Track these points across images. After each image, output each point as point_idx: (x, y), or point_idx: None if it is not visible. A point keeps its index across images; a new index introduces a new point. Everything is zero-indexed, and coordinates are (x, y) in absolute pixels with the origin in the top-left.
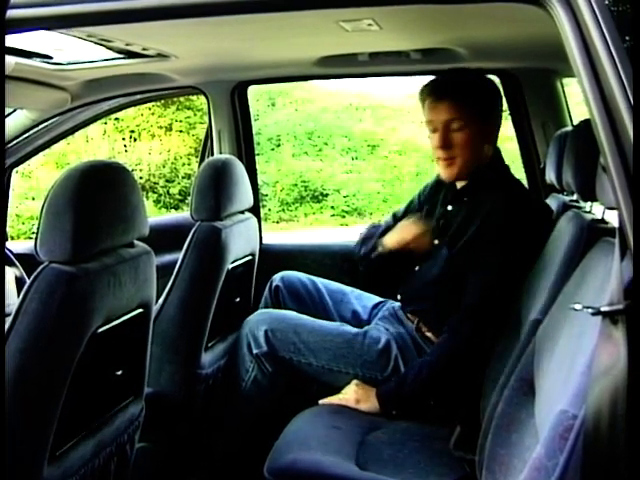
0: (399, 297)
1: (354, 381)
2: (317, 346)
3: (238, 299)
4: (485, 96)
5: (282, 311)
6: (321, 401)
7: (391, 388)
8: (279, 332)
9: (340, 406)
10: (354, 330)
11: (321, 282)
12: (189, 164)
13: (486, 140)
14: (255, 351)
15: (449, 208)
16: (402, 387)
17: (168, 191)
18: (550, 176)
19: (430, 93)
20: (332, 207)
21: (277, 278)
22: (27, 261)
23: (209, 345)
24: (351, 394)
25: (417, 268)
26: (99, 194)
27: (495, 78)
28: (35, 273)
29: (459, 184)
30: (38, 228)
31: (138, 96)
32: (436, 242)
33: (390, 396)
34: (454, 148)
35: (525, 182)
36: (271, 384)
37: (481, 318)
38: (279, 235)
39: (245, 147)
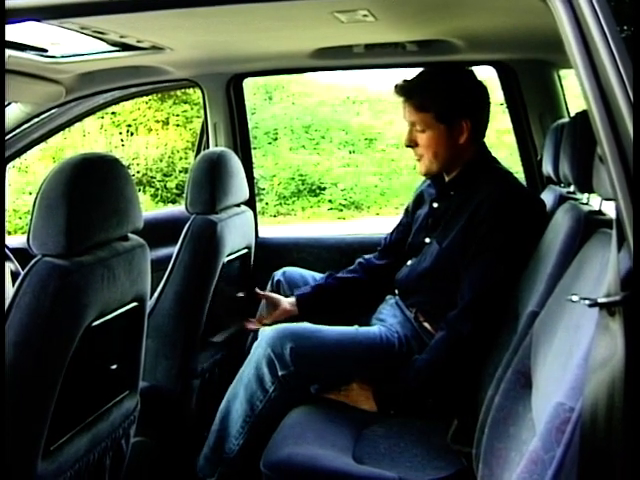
0: (396, 291)
1: (355, 382)
2: (341, 354)
3: (236, 293)
4: (451, 96)
5: (301, 325)
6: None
7: (390, 389)
8: (304, 349)
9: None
10: (370, 333)
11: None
12: (186, 158)
13: (457, 137)
14: (281, 372)
15: (435, 205)
16: (401, 387)
17: (165, 185)
18: (547, 168)
19: (397, 94)
20: (330, 201)
21: (279, 273)
22: (23, 255)
23: (206, 339)
24: (350, 395)
25: (409, 263)
26: (92, 187)
27: (492, 70)
28: (28, 267)
29: (446, 178)
30: (31, 221)
31: (133, 89)
32: (427, 240)
33: (388, 397)
34: (419, 147)
35: (522, 174)
36: (291, 399)
37: (479, 315)
38: (276, 228)
39: (241, 140)
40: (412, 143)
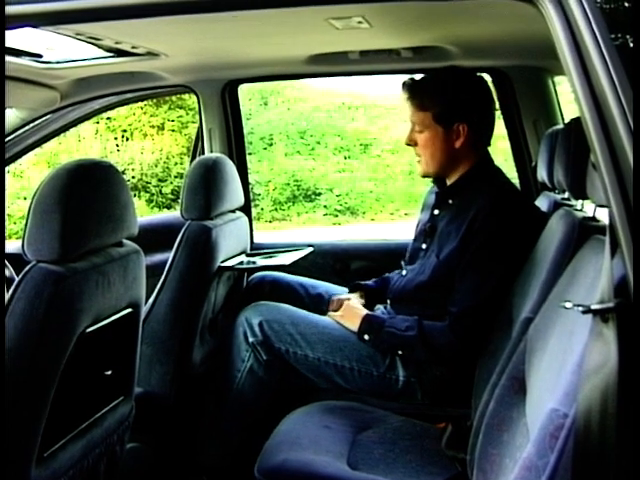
0: (388, 301)
1: (354, 298)
2: (314, 338)
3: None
4: (451, 98)
5: (279, 304)
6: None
7: (378, 319)
8: (276, 323)
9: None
10: (349, 331)
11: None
12: (181, 163)
13: (453, 141)
14: (251, 339)
15: (435, 212)
16: (386, 325)
17: (160, 190)
18: (541, 174)
19: (403, 91)
20: (325, 206)
21: (259, 276)
22: (18, 261)
23: (201, 345)
24: (343, 309)
25: (404, 273)
26: (87, 193)
27: (486, 76)
28: (22, 273)
29: (447, 184)
30: (25, 227)
31: (128, 95)
32: (424, 246)
33: (372, 324)
34: (418, 147)
35: (517, 181)
36: (267, 375)
37: (467, 328)
38: (271, 234)
39: (236, 146)
40: (411, 142)
